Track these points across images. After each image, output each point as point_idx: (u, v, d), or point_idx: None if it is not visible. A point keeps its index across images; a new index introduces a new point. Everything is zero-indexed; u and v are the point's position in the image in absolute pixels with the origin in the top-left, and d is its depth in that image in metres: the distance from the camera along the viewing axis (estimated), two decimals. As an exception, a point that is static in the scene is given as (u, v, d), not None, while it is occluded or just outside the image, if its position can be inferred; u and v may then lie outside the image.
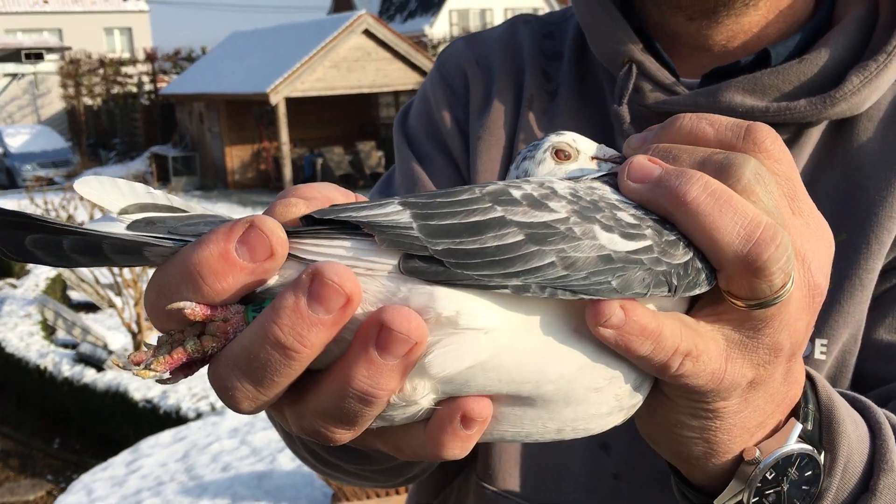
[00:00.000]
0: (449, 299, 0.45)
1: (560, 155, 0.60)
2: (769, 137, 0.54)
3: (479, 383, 0.46)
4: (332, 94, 21.66)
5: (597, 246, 0.48)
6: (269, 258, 0.45)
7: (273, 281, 0.46)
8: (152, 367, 0.45)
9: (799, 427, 0.59)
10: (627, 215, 0.50)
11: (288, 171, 20.85)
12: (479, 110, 1.06)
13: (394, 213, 0.47)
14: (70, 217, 10.46)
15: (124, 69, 28.05)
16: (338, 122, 23.73)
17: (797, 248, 0.52)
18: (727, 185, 0.51)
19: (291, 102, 21.30)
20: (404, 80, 22.17)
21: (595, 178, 0.55)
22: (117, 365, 0.46)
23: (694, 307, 0.54)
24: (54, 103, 29.89)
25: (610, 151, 0.62)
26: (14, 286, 11.48)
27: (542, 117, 1.03)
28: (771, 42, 0.95)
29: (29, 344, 9.16)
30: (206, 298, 0.45)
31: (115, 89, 27.89)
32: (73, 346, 9.59)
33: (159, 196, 0.49)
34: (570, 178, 0.55)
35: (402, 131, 1.13)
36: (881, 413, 0.67)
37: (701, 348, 0.50)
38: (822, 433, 0.62)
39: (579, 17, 1.03)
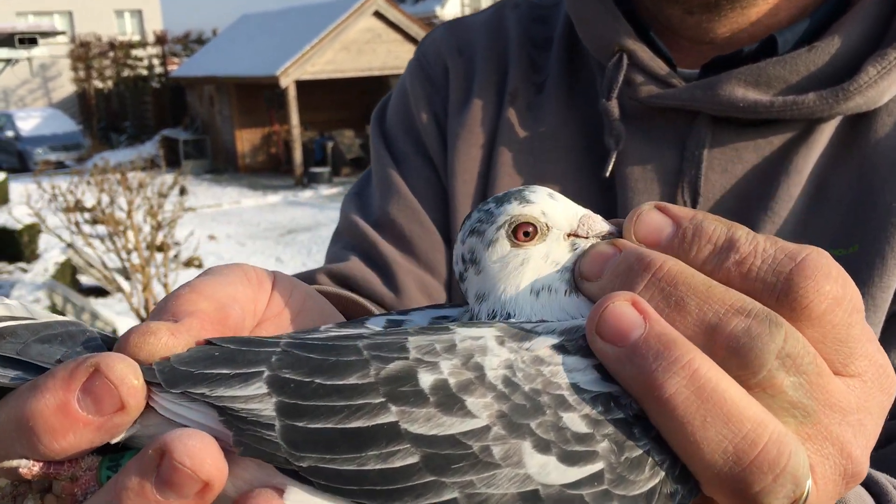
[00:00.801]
0: None
1: (521, 234, 0.46)
2: (818, 293, 0.40)
3: None
4: (343, 76, 21.52)
5: (520, 477, 0.37)
6: (119, 412, 0.37)
7: (135, 429, 0.39)
8: None
9: None
10: (578, 418, 0.38)
11: (298, 155, 20.78)
12: (458, 105, 0.97)
13: (256, 398, 0.37)
14: (78, 202, 10.43)
15: (134, 52, 28.00)
16: (348, 104, 23.58)
17: (836, 436, 0.41)
18: (741, 374, 0.39)
19: (302, 85, 21.19)
20: (415, 62, 21.93)
21: (552, 346, 0.41)
22: None
23: None
24: (65, 87, 29.93)
25: (597, 225, 0.47)
26: (25, 270, 11.50)
27: (527, 113, 0.94)
28: (780, 28, 0.85)
29: (37, 329, 9.14)
30: (45, 456, 0.38)
31: (126, 72, 27.86)
32: (82, 331, 9.58)
33: (16, 308, 0.42)
34: (514, 338, 0.41)
35: (378, 128, 1.04)
36: None
37: None
38: None
39: (567, 2, 0.94)
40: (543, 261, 0.46)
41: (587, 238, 0.47)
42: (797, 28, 0.84)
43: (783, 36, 0.84)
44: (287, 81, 20.35)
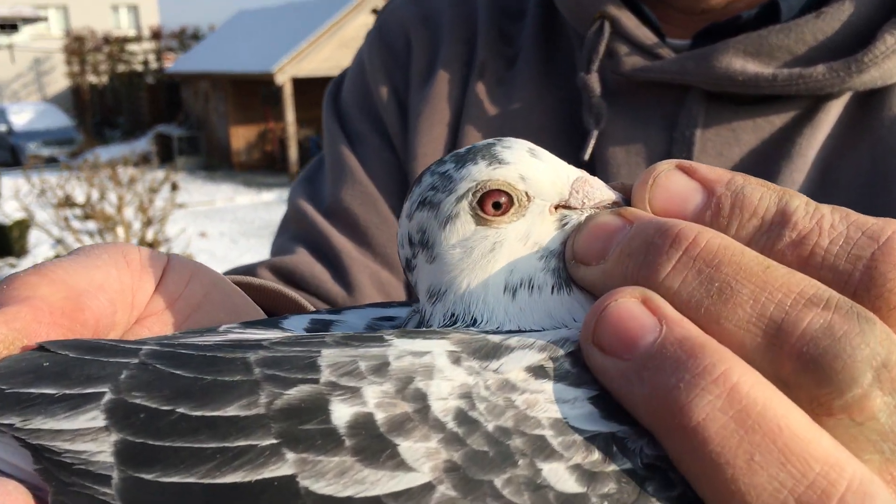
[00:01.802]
0: None
1: (490, 207, 0.34)
2: None
3: None
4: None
5: None
6: None
7: None
8: None
9: None
10: (565, 471, 0.28)
11: (293, 153, 20.66)
12: (421, 79, 0.87)
13: (88, 434, 0.27)
14: (68, 197, 10.31)
15: (129, 47, 27.85)
16: (344, 102, 23.44)
17: None
18: (820, 395, 0.28)
19: (298, 82, 21.08)
20: (411, 60, 21.84)
21: (529, 367, 0.30)
22: None
23: None
24: (59, 81, 29.74)
25: (597, 192, 0.36)
26: (14, 266, 11.38)
27: (496, 89, 0.84)
28: None
29: (24, 325, 9.04)
30: None
31: (121, 67, 27.72)
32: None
33: None
34: (475, 354, 0.30)
35: (332, 106, 0.94)
36: None
37: None
38: None
39: None
40: (521, 244, 0.35)
41: (581, 210, 0.36)
42: None
43: (787, 1, 0.73)
44: (283, 78, 20.25)
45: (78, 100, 28.50)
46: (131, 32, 30.91)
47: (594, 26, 0.77)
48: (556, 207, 0.36)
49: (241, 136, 22.87)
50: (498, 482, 0.27)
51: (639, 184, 0.35)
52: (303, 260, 0.82)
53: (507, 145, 0.36)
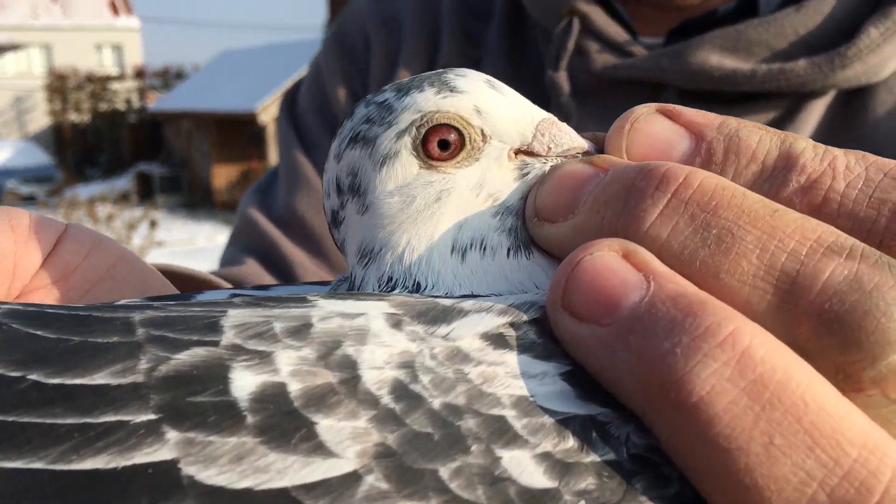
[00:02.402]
0: None
1: (434, 146, 0.28)
2: None
3: None
4: (322, 113, 21.53)
5: None
6: None
7: None
8: None
9: None
10: (531, 461, 0.22)
11: (275, 191, 20.68)
12: (381, 81, 0.82)
13: None
14: (44, 233, 10.20)
15: (112, 85, 27.90)
16: (327, 142, 23.53)
17: None
18: (843, 362, 0.23)
19: (280, 122, 21.22)
20: (394, 100, 21.98)
21: (485, 335, 0.24)
22: None
23: None
24: (40, 119, 29.68)
25: (566, 137, 0.30)
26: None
27: None
28: None
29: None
30: None
31: (103, 106, 27.72)
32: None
33: None
34: (420, 317, 0.24)
35: (287, 112, 0.89)
36: None
37: None
38: None
39: None
40: (473, 195, 0.29)
41: (546, 157, 0.30)
42: None
43: None
44: (266, 118, 20.33)
45: (59, 138, 28.43)
46: (114, 71, 30.99)
47: (563, 23, 0.73)
48: (517, 153, 0.30)
49: (223, 175, 22.85)
50: (444, 472, 0.21)
51: (614, 130, 0.30)
52: (252, 271, 0.76)
53: (461, 73, 0.29)
